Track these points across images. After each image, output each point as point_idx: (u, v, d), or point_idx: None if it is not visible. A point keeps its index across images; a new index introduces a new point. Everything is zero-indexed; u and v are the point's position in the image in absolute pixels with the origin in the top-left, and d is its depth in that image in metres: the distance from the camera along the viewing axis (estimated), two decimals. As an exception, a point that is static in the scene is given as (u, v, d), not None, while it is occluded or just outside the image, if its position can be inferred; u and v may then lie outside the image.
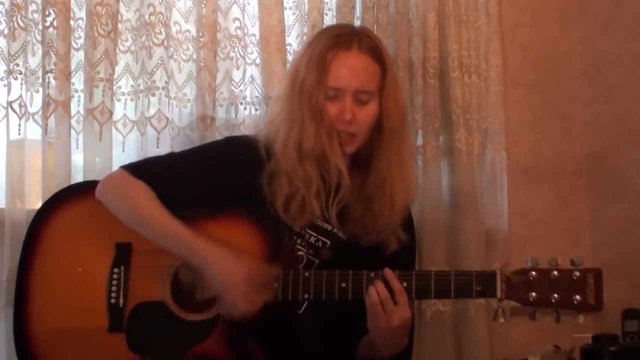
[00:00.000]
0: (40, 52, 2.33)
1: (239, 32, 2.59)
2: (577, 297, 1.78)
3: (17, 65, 2.30)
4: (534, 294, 1.79)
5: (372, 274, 1.81)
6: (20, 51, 2.30)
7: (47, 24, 2.32)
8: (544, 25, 3.19)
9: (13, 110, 2.29)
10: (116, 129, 2.46)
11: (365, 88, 1.91)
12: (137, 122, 2.48)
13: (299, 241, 1.94)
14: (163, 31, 2.49)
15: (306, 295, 1.83)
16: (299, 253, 1.94)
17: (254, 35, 2.63)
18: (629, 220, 3.05)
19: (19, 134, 2.31)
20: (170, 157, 2.05)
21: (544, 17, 3.19)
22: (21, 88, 2.30)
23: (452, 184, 2.86)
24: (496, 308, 1.83)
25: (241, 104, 2.60)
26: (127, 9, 2.48)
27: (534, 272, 1.80)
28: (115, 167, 2.37)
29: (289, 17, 2.67)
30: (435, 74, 2.81)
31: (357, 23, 2.74)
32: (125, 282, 1.92)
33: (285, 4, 2.65)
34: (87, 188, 2.01)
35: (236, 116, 2.59)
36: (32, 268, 1.96)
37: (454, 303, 2.81)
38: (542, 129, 3.15)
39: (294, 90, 1.93)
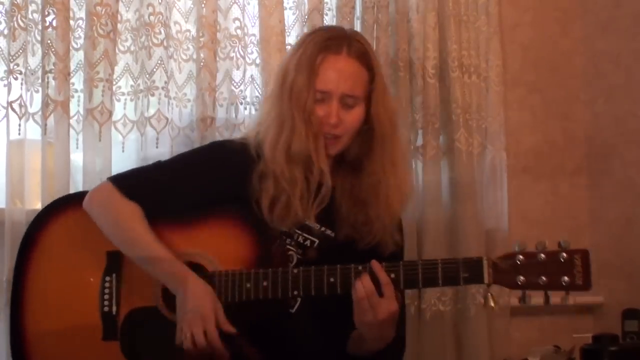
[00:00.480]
0: (40, 52, 2.33)
1: (239, 32, 2.60)
2: (565, 278, 1.77)
3: (17, 65, 2.30)
4: (521, 277, 1.78)
5: (360, 267, 1.81)
6: (20, 51, 2.30)
7: (47, 24, 2.32)
8: (544, 25, 3.19)
9: (13, 110, 2.29)
10: (116, 129, 2.46)
11: (352, 93, 1.92)
12: (136, 122, 2.48)
13: (288, 241, 1.95)
14: (163, 31, 2.49)
15: (295, 292, 1.84)
16: (289, 253, 1.95)
17: (254, 35, 2.63)
18: (629, 220, 3.05)
19: (19, 134, 2.31)
20: (157, 167, 2.03)
21: (544, 17, 3.19)
22: (21, 88, 2.30)
23: (452, 183, 2.86)
24: (485, 294, 1.82)
25: (241, 104, 2.61)
26: (127, 9, 2.48)
27: (520, 256, 1.79)
28: (115, 167, 2.38)
29: (289, 17, 2.67)
30: (435, 74, 2.81)
31: (357, 23, 2.74)
32: (117, 289, 1.93)
33: (285, 4, 2.65)
34: (77, 199, 2.01)
35: (236, 116, 2.59)
36: (26, 278, 1.97)
37: (454, 303, 2.81)
38: (542, 129, 3.15)
39: (284, 91, 1.93)
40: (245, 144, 1.98)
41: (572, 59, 3.23)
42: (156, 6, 2.48)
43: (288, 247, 1.94)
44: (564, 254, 1.78)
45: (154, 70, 2.48)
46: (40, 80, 2.33)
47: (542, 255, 1.79)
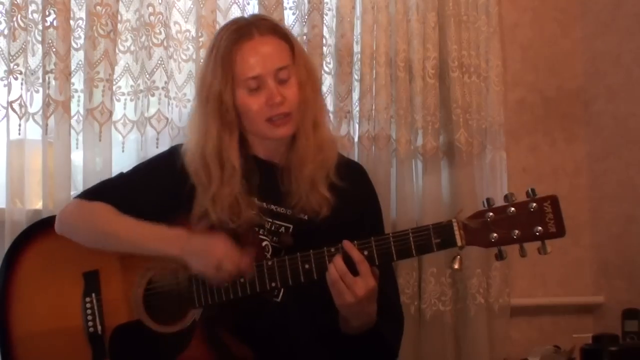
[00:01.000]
0: (40, 52, 2.34)
1: (238, 32, 2.59)
2: (539, 228, 1.74)
3: (17, 65, 2.30)
4: (494, 234, 1.75)
5: (333, 249, 1.79)
6: (20, 51, 2.30)
7: (47, 24, 2.32)
8: (544, 25, 3.19)
9: (13, 110, 2.29)
10: (116, 129, 2.46)
11: (282, 64, 1.90)
12: (136, 122, 2.48)
13: (261, 231, 1.93)
14: (163, 31, 2.49)
15: (273, 284, 1.83)
16: (264, 243, 1.93)
17: (254, 35, 2.63)
18: (629, 219, 3.05)
19: (19, 134, 2.32)
20: (119, 177, 2.06)
21: (544, 17, 3.19)
22: (21, 88, 2.31)
23: (452, 183, 2.86)
24: (454, 255, 1.78)
25: (241, 104, 2.60)
26: (127, 9, 2.48)
27: (490, 213, 1.75)
28: (115, 167, 2.38)
29: (289, 17, 2.67)
30: (435, 74, 2.81)
31: (357, 23, 2.75)
32: (99, 309, 1.93)
33: (285, 4, 2.65)
34: (44, 225, 2.02)
35: (236, 116, 2.58)
36: (9, 311, 1.97)
37: (454, 303, 2.81)
38: (542, 129, 3.15)
39: (201, 98, 1.93)
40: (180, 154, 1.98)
41: (572, 59, 3.23)
42: (156, 6, 2.48)
43: (261, 237, 1.92)
44: (533, 204, 1.75)
45: (154, 70, 2.48)
46: (40, 80, 2.33)
47: (512, 209, 1.75)
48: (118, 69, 2.45)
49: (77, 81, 2.42)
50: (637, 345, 2.64)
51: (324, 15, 2.68)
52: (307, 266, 1.81)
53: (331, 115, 2.63)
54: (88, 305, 1.94)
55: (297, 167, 1.93)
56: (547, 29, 3.20)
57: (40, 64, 2.33)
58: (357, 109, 2.73)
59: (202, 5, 2.52)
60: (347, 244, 1.79)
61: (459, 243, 1.77)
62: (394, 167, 2.77)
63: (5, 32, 2.30)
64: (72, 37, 2.39)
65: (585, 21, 3.23)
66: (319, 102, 2.00)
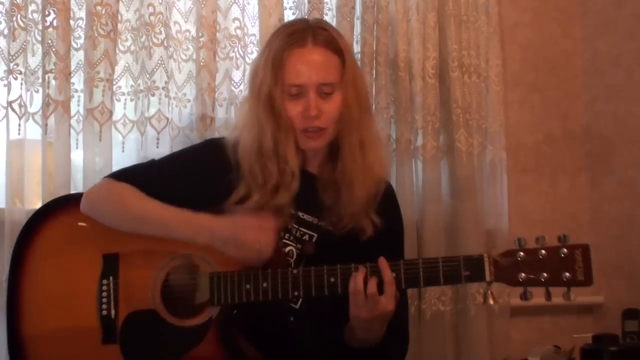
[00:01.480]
0: (40, 52, 2.34)
1: (238, 32, 2.60)
2: (567, 274, 1.76)
3: (17, 65, 2.30)
4: (523, 274, 1.78)
5: (360, 266, 1.80)
6: (20, 51, 2.30)
7: (47, 24, 2.32)
8: (544, 25, 3.19)
9: (13, 110, 2.29)
10: (116, 129, 2.46)
11: (326, 80, 1.90)
12: (136, 122, 2.48)
13: (286, 236, 1.94)
14: (163, 31, 2.49)
15: (296, 293, 1.83)
16: (288, 248, 1.94)
17: (253, 35, 2.63)
18: (629, 219, 3.05)
19: (19, 134, 2.31)
20: (151, 165, 2.04)
21: (544, 17, 3.19)
22: (21, 88, 2.31)
23: (452, 184, 2.86)
24: (485, 291, 1.81)
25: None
26: (127, 9, 2.48)
27: (521, 253, 1.78)
28: (115, 167, 2.38)
29: (289, 17, 2.67)
30: (435, 74, 2.81)
31: (357, 23, 2.75)
32: (115, 293, 1.92)
33: (285, 4, 2.65)
34: (69, 202, 2.00)
35: (236, 116, 2.59)
36: (21, 285, 1.96)
37: (454, 303, 2.81)
38: (542, 129, 3.15)
39: (253, 93, 1.93)
40: (227, 147, 1.98)
41: (572, 59, 3.23)
42: (156, 6, 2.48)
43: (286, 241, 1.93)
44: (565, 250, 1.77)
45: (154, 70, 2.48)
46: (40, 80, 2.33)
47: (543, 251, 1.78)
48: (118, 69, 2.45)
49: (77, 81, 2.42)
50: (637, 345, 2.64)
51: (324, 15, 2.68)
52: (332, 280, 1.81)
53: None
54: (104, 287, 1.92)
55: (346, 186, 1.94)
56: (547, 29, 3.20)
57: (40, 64, 2.33)
58: (357, 108, 2.73)
59: (202, 5, 2.52)
60: (382, 262, 1.80)
61: (488, 278, 1.79)
62: (394, 167, 2.77)
63: (5, 32, 2.30)
64: (72, 37, 2.38)
65: (585, 21, 3.23)
66: (367, 123, 1.99)
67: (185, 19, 2.55)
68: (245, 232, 1.82)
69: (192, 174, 1.97)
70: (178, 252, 1.89)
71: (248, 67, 2.61)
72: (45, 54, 2.32)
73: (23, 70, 2.31)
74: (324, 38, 1.93)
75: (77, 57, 2.41)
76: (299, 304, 1.92)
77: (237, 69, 2.60)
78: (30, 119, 2.33)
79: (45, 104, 2.32)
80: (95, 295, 1.92)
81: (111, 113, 2.42)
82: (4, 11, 2.31)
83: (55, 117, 2.33)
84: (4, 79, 2.29)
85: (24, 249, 1.98)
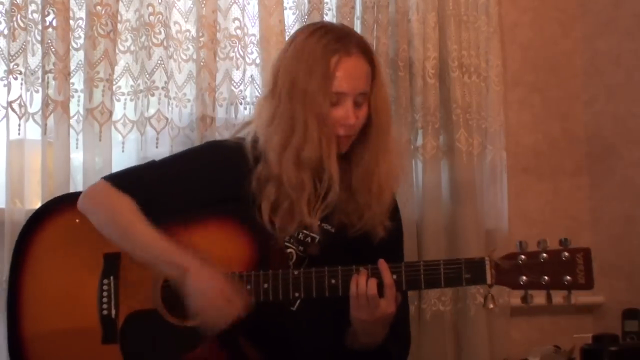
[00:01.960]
0: (40, 52, 2.33)
1: (238, 32, 2.60)
2: (568, 277, 1.77)
3: (17, 65, 2.30)
4: (524, 277, 1.79)
5: (361, 268, 1.81)
6: (20, 51, 2.30)
7: (47, 24, 2.32)
8: (544, 25, 3.19)
9: (13, 110, 2.29)
10: (116, 129, 2.46)
11: (364, 90, 1.92)
12: (136, 122, 2.48)
13: (287, 238, 1.93)
14: (163, 31, 2.49)
15: (297, 294, 1.84)
16: (289, 250, 1.94)
17: (254, 35, 2.63)
18: (629, 220, 3.05)
19: (19, 134, 2.31)
20: (152, 167, 2.02)
21: (544, 17, 3.19)
22: (21, 88, 2.31)
23: (452, 184, 2.86)
24: (486, 294, 1.82)
25: (241, 104, 2.60)
26: (127, 9, 2.48)
27: (522, 256, 1.79)
28: (115, 167, 2.38)
29: (289, 17, 2.67)
30: (435, 74, 2.81)
31: (357, 23, 2.74)
32: (116, 292, 1.92)
33: (285, 4, 2.65)
34: (71, 199, 1.99)
35: (236, 116, 2.58)
36: (21, 285, 1.96)
37: (454, 303, 2.81)
38: (542, 129, 3.15)
39: (295, 95, 1.89)
40: (241, 145, 1.97)
41: (572, 59, 3.22)
42: (156, 6, 2.48)
43: (286, 244, 1.93)
44: (566, 253, 1.79)
45: (154, 70, 2.48)
46: (40, 80, 2.33)
47: (544, 255, 1.79)
48: (118, 69, 2.45)
49: (77, 81, 2.42)
50: (637, 345, 2.64)
51: (324, 15, 2.68)
52: (333, 281, 1.82)
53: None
54: (105, 287, 1.92)
55: (367, 191, 1.94)
56: (547, 29, 3.19)
57: (40, 64, 2.33)
58: (357, 108, 2.73)
59: (202, 5, 2.52)
60: (382, 265, 1.80)
61: (489, 281, 1.80)
62: (393, 167, 2.77)
63: (5, 32, 2.30)
64: (71, 37, 2.38)
65: (585, 21, 3.22)
66: (391, 130, 2.02)
67: (185, 19, 2.55)
68: (214, 298, 1.79)
69: (187, 177, 1.96)
70: None
71: (248, 67, 2.62)
72: (45, 54, 2.32)
73: (23, 70, 2.31)
74: (364, 47, 1.95)
75: (77, 57, 2.41)
76: (295, 306, 1.92)
77: (237, 69, 2.60)
78: (30, 119, 2.32)
79: (45, 104, 2.32)
80: (96, 294, 1.92)
81: (111, 113, 2.41)
82: (4, 11, 2.31)
83: (55, 117, 2.33)
84: (4, 79, 2.29)
85: (24, 248, 1.98)
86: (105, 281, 1.93)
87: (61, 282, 1.95)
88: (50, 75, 2.32)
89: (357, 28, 2.73)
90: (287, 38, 2.61)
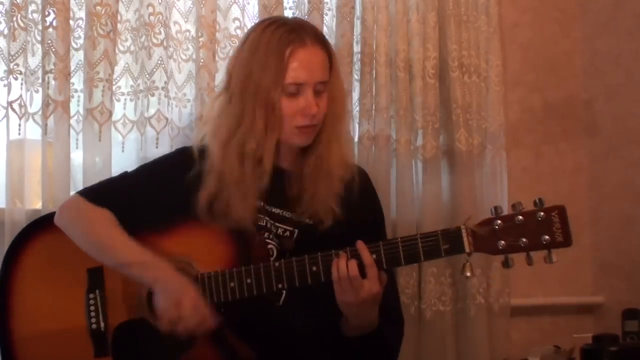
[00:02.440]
0: (40, 52, 2.34)
1: (238, 32, 2.59)
2: (546, 237, 1.76)
3: (17, 65, 2.30)
4: (502, 242, 1.77)
5: (340, 252, 1.80)
6: (20, 51, 2.30)
7: (47, 24, 2.32)
8: (544, 25, 3.19)
9: (13, 110, 2.29)
10: (116, 129, 2.46)
11: (323, 79, 1.92)
12: (136, 122, 2.48)
13: (266, 235, 1.94)
14: (162, 31, 2.49)
15: (280, 285, 1.83)
16: (269, 247, 1.94)
17: (254, 35, 2.63)
18: (629, 220, 3.05)
19: (19, 134, 2.32)
20: (123, 178, 2.04)
21: (544, 17, 3.19)
22: (21, 88, 2.31)
23: (452, 183, 2.86)
24: (464, 262, 1.81)
25: (240, 104, 2.60)
26: (127, 9, 2.48)
27: (498, 221, 1.78)
28: (115, 167, 2.38)
29: (289, 17, 2.67)
30: (435, 74, 2.81)
31: (357, 23, 2.74)
32: (103, 305, 1.92)
33: (285, 4, 2.65)
34: (47, 221, 2.00)
35: (236, 116, 2.58)
36: (10, 307, 1.96)
37: (454, 303, 2.81)
38: (542, 129, 3.15)
39: (247, 89, 1.89)
40: (204, 146, 1.96)
41: (572, 59, 3.23)
42: (156, 6, 2.48)
43: (267, 240, 1.93)
44: (541, 213, 1.77)
45: (154, 70, 2.48)
46: (40, 80, 2.33)
47: (520, 217, 1.77)
48: (118, 69, 2.45)
49: (77, 81, 2.42)
50: (637, 345, 2.64)
51: (324, 15, 2.68)
52: (314, 268, 1.82)
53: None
54: (92, 301, 1.93)
55: (316, 177, 1.93)
56: (547, 29, 3.20)
57: (40, 64, 2.33)
58: (357, 108, 2.73)
59: (202, 5, 2.52)
60: (360, 245, 1.80)
61: (467, 249, 1.78)
62: (394, 167, 2.77)
63: (5, 32, 2.30)
64: (71, 37, 2.39)
65: (585, 21, 3.23)
66: (346, 118, 2.04)
67: (185, 19, 2.56)
68: (182, 302, 1.80)
69: (160, 184, 1.97)
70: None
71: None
72: (45, 54, 2.32)
73: (23, 70, 2.31)
74: (318, 35, 1.95)
75: (77, 57, 2.41)
76: (281, 301, 1.92)
77: (237, 69, 2.59)
78: (30, 119, 2.33)
79: (45, 104, 2.32)
80: (83, 309, 1.93)
81: (111, 113, 2.42)
82: (4, 11, 2.31)
83: (55, 117, 2.33)
84: (4, 79, 2.29)
85: (10, 271, 1.98)
86: (91, 295, 1.93)
87: (49, 301, 1.95)
88: (51, 75, 2.32)
89: (357, 28, 2.74)
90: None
